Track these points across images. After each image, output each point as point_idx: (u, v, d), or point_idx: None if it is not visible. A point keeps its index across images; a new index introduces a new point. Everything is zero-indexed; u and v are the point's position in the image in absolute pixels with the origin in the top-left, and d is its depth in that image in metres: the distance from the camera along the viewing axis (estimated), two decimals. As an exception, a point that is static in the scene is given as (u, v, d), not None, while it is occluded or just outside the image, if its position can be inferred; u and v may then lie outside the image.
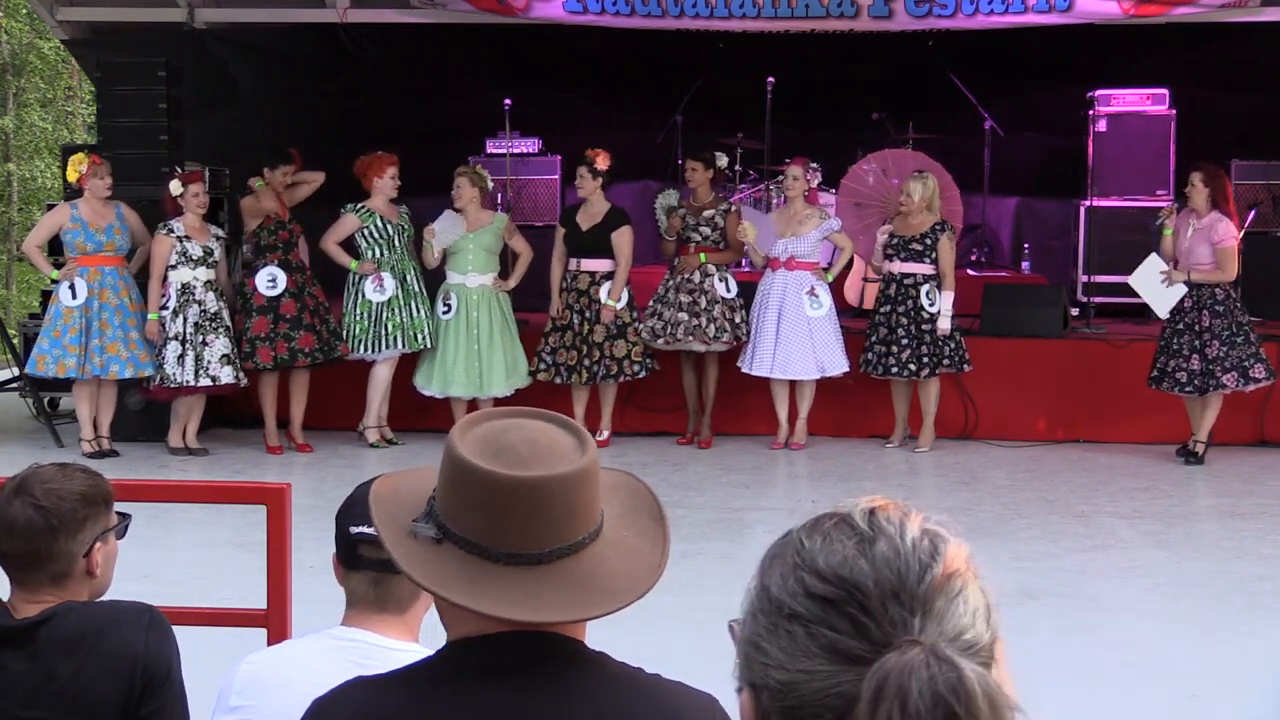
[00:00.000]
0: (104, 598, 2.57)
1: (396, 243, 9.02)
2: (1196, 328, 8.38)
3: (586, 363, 8.97)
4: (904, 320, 8.79)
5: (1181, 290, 8.40)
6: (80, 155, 8.82)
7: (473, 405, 9.03)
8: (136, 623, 2.45)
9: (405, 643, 2.28)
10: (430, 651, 2.22)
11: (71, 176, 8.63)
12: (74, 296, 8.65)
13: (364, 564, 2.28)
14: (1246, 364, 8.37)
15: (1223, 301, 8.41)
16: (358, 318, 8.98)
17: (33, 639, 2.39)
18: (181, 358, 8.64)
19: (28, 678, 2.38)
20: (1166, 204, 9.04)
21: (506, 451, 1.60)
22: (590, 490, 1.63)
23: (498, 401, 8.86)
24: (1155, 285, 8.49)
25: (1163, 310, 8.47)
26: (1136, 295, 8.88)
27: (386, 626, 2.29)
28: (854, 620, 1.07)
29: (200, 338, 8.66)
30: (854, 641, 1.07)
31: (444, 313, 9.03)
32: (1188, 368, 8.39)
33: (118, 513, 2.57)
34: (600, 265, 8.98)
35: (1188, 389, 8.41)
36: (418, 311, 9.03)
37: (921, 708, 1.01)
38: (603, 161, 8.97)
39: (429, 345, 9.05)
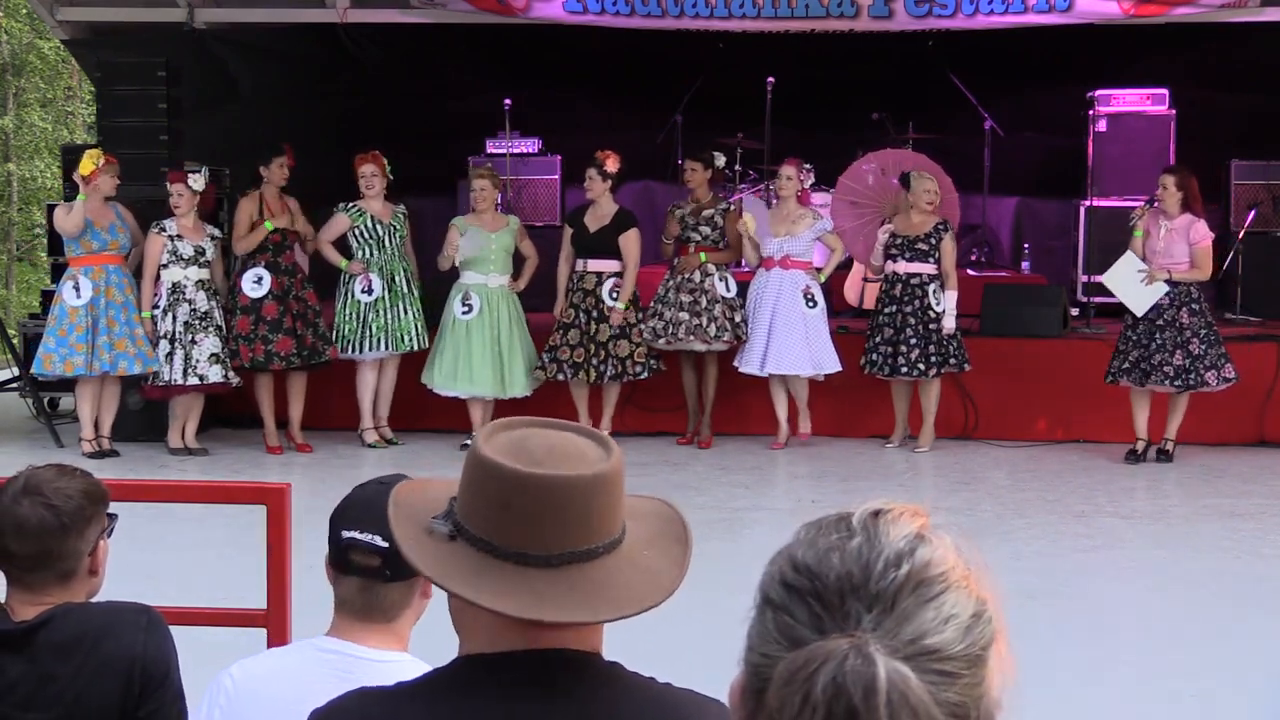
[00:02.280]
0: (99, 598, 2.58)
1: (387, 243, 9.02)
2: (1177, 324, 8.43)
3: (594, 362, 8.99)
4: (911, 320, 8.80)
5: (1161, 290, 8.42)
6: (96, 150, 8.81)
7: (465, 407, 9.03)
8: (134, 624, 2.46)
9: (391, 653, 2.25)
10: (417, 661, 2.21)
11: (85, 168, 8.59)
12: (79, 295, 8.64)
13: (354, 570, 2.26)
14: (1220, 363, 8.44)
15: (1198, 300, 8.49)
16: (346, 317, 9.00)
17: (31, 642, 2.40)
18: (170, 356, 8.65)
19: (26, 681, 2.38)
20: (1139, 204, 8.96)
21: (525, 453, 1.59)
22: (608, 499, 1.61)
23: (518, 400, 8.90)
24: (1133, 284, 8.49)
25: (1140, 308, 8.46)
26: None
27: (372, 636, 2.26)
28: (811, 609, 1.08)
29: (190, 336, 8.66)
30: (807, 630, 1.07)
31: (464, 313, 8.98)
32: (1174, 363, 8.41)
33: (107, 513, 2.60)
34: (607, 266, 9.00)
35: (1176, 383, 8.44)
36: (405, 313, 9.03)
37: (823, 696, 1.01)
38: (613, 164, 8.98)
39: (417, 347, 9.05)
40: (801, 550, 1.12)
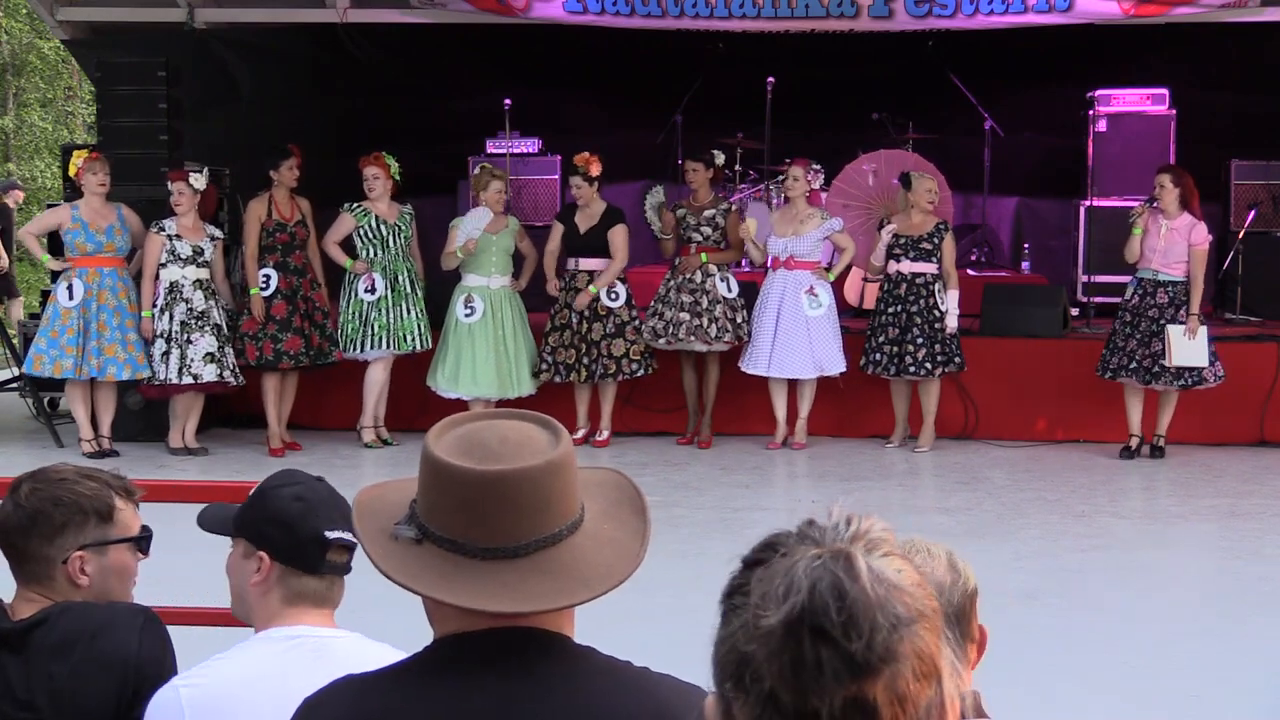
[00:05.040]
0: None
1: (391, 243, 9.03)
2: (1162, 320, 8.45)
3: (586, 361, 8.99)
4: (918, 320, 8.81)
5: (1205, 332, 8.43)
6: (83, 151, 8.87)
7: (467, 407, 9.04)
8: (131, 624, 2.45)
9: (337, 630, 2.32)
10: (356, 635, 2.28)
11: (73, 170, 8.70)
12: (71, 297, 8.65)
13: (327, 568, 2.30)
14: (1213, 360, 8.48)
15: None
16: (350, 317, 9.01)
17: (27, 641, 2.39)
18: (166, 355, 8.66)
19: (22, 679, 2.37)
20: (1138, 204, 8.96)
21: (479, 448, 1.63)
22: (564, 482, 1.65)
23: (522, 400, 8.91)
24: (1188, 347, 8.43)
25: (1203, 359, 8.42)
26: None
27: (321, 619, 2.32)
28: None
29: (186, 336, 8.66)
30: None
31: (466, 315, 9.00)
32: (1139, 358, 8.47)
33: (143, 527, 2.57)
34: (598, 264, 9.02)
35: (1179, 383, 8.46)
36: (407, 313, 9.03)
37: (806, 579, 1.10)
38: (595, 168, 9.02)
39: (419, 348, 9.05)
40: (749, 555, 1.20)
